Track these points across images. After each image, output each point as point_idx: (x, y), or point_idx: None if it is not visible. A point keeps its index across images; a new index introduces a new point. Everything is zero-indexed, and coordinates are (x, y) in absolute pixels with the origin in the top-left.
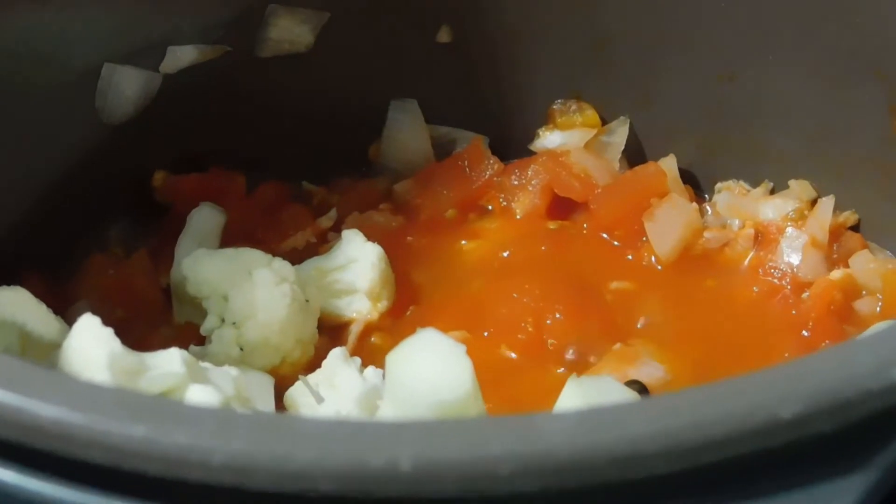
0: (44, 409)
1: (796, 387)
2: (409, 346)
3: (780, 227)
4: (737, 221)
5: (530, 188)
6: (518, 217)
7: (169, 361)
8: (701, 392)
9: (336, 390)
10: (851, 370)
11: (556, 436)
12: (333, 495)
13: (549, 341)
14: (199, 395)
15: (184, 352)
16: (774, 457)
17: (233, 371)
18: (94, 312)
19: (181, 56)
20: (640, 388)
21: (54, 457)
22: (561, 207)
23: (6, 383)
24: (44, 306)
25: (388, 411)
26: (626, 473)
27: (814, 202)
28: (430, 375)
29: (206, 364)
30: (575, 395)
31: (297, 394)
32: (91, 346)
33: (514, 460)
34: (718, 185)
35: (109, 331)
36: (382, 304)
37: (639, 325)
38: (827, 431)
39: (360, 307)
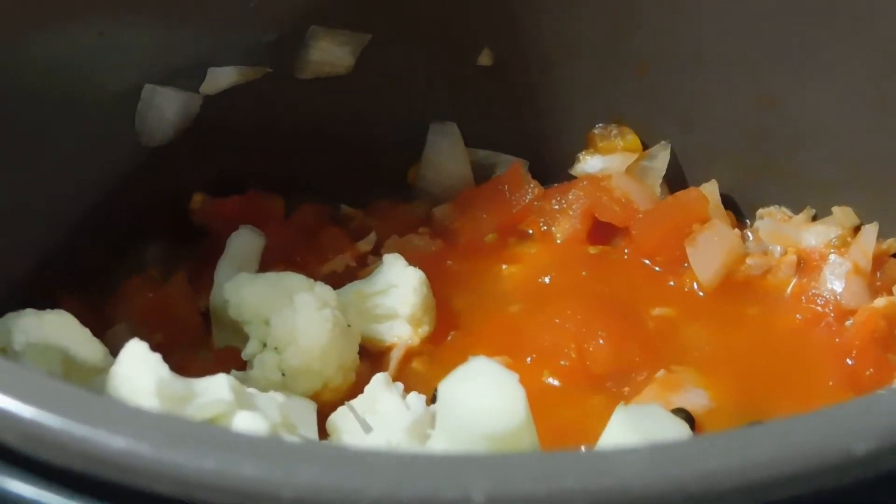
0: (112, 440)
1: (870, 423)
2: (462, 375)
3: (822, 254)
4: (779, 248)
5: (571, 213)
6: (558, 242)
7: (217, 388)
8: (773, 428)
9: (380, 417)
10: None
11: (629, 471)
12: None
13: (592, 368)
14: (247, 421)
15: (231, 378)
16: (845, 494)
17: (279, 397)
18: (133, 336)
19: (221, 77)
20: (685, 416)
21: (122, 488)
22: (602, 232)
23: (73, 413)
24: (87, 330)
25: (440, 441)
26: None
27: (857, 229)
28: (483, 405)
29: (251, 390)
30: (624, 424)
31: (340, 420)
32: (139, 372)
33: (587, 495)
34: (760, 211)
35: (157, 357)
36: (423, 330)
37: (681, 352)
38: None
39: (400, 332)
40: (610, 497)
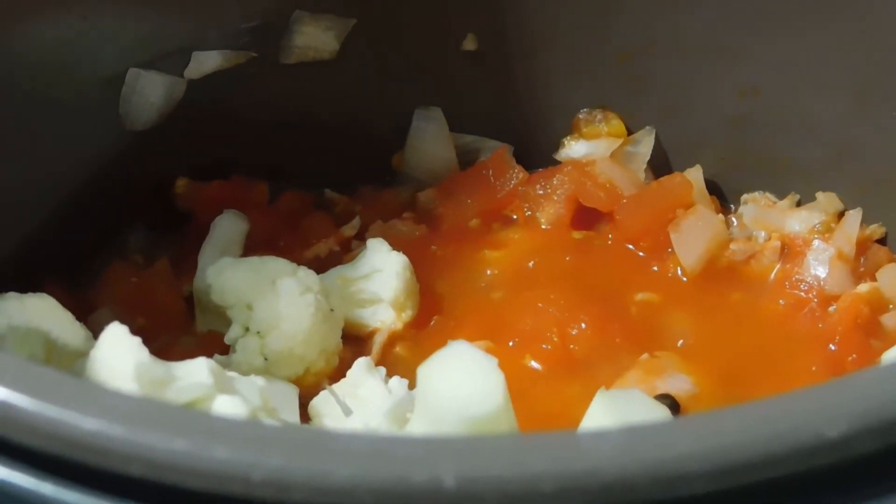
0: (83, 422)
1: (843, 406)
2: (441, 359)
3: (806, 240)
4: (763, 234)
5: (555, 198)
6: (542, 227)
7: (197, 372)
8: (745, 411)
9: (362, 401)
10: None
11: (600, 454)
12: None
13: (574, 352)
14: (227, 405)
15: (211, 361)
16: (819, 477)
17: (259, 381)
18: (116, 320)
19: (206, 62)
20: (670, 402)
21: (93, 470)
22: (586, 218)
23: (45, 394)
24: (69, 314)
25: (419, 425)
26: (669, 493)
27: (841, 215)
28: (461, 389)
29: (232, 374)
30: (604, 409)
31: (322, 404)
32: (119, 355)
33: (557, 478)
34: (744, 197)
35: (137, 340)
36: (407, 314)
37: (664, 338)
38: (872, 451)
39: (384, 317)
40: (580, 481)
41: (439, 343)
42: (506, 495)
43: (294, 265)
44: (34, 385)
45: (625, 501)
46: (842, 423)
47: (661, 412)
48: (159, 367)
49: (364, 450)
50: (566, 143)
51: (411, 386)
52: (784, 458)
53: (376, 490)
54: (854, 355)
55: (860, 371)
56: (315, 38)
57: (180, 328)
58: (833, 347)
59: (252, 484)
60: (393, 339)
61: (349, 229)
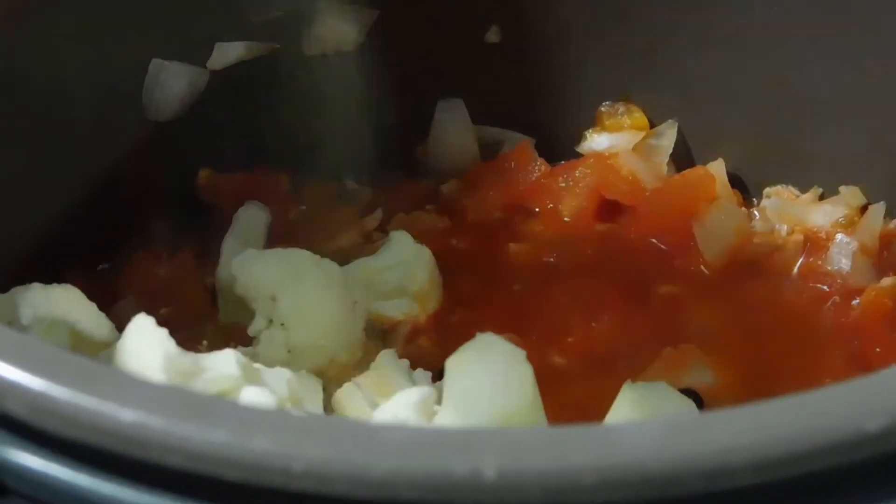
0: (122, 413)
1: (882, 400)
2: (469, 351)
3: (829, 234)
4: (785, 227)
5: (577, 191)
6: (565, 220)
7: (224, 363)
8: (785, 404)
9: (387, 394)
10: None
11: (642, 447)
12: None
13: (597, 346)
14: (254, 396)
15: (238, 353)
16: (858, 471)
17: (286, 373)
18: (139, 311)
19: (229, 52)
20: (693, 396)
21: (131, 461)
22: (608, 210)
23: (82, 385)
24: (94, 305)
25: (448, 417)
26: (710, 486)
27: (864, 208)
28: (491, 381)
29: (258, 365)
30: (631, 401)
31: (346, 396)
32: (146, 346)
33: (599, 471)
34: (767, 190)
35: (164, 331)
36: (430, 307)
37: (687, 331)
38: None
39: (407, 309)
40: (622, 473)
41: (462, 335)
42: (546, 488)
43: (317, 257)
44: (71, 375)
45: (666, 494)
46: (882, 417)
47: (687, 405)
48: (187, 358)
49: (405, 442)
50: (588, 135)
51: (434, 378)
52: (824, 452)
53: (417, 482)
54: (878, 349)
55: None
56: (338, 30)
57: (203, 319)
58: (857, 341)
59: (293, 475)
60: (416, 331)
61: (372, 221)
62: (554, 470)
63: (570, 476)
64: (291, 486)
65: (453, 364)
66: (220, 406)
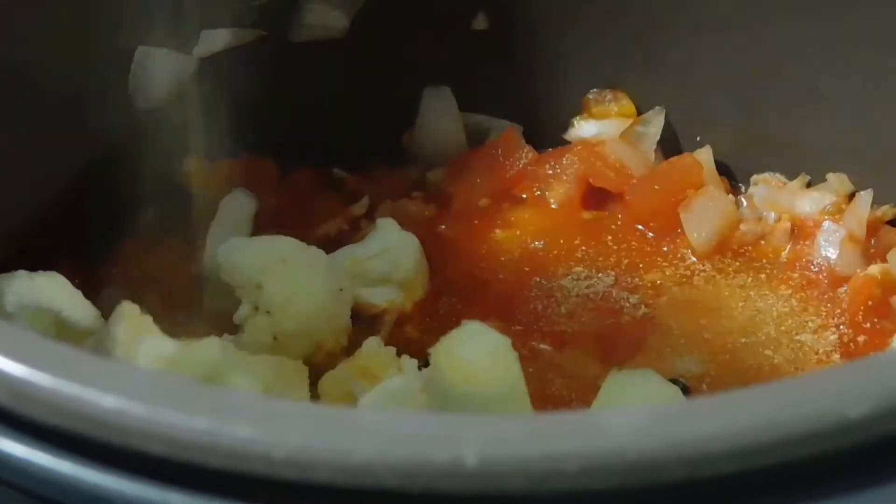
0: (103, 400)
1: (865, 387)
2: (455, 339)
3: (816, 221)
4: (773, 214)
5: (565, 178)
6: (552, 207)
7: (208, 350)
8: (768, 391)
9: (372, 381)
10: None
11: (624, 434)
12: (396, 490)
13: (583, 333)
14: (238, 383)
15: (222, 340)
16: (841, 458)
17: (270, 360)
18: (125, 299)
19: (215, 40)
20: (681, 386)
21: (113, 448)
22: (596, 198)
23: (64, 372)
24: (79, 293)
25: (432, 404)
26: (693, 473)
27: (851, 196)
28: (476, 369)
29: (242, 352)
30: (617, 389)
31: (331, 383)
32: (130, 333)
33: (581, 458)
34: (754, 178)
35: (148, 318)
36: (416, 294)
37: (674, 319)
38: (894, 433)
39: (393, 296)
40: (605, 460)
41: (448, 323)
42: (529, 475)
43: (304, 244)
44: (53, 362)
45: (649, 481)
46: (864, 404)
47: (674, 392)
48: (170, 345)
49: (387, 428)
50: (576, 123)
51: (420, 366)
52: (806, 438)
53: (399, 469)
54: (864, 336)
55: (882, 353)
56: (325, 16)
57: (189, 307)
58: (843, 328)
59: (274, 462)
60: (402, 319)
61: (358, 208)
62: (536, 457)
63: (553, 463)
64: (273, 473)
65: (438, 351)
66: (201, 393)
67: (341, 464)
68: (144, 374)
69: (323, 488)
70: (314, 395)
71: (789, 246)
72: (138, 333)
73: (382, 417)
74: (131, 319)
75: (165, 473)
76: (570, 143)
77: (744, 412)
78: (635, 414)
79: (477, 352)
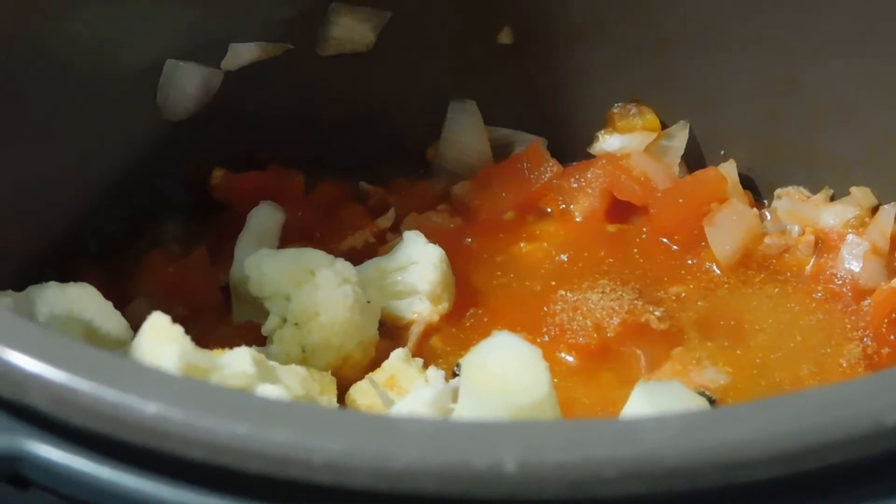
0: (144, 406)
1: None
2: (486, 349)
3: (840, 234)
4: (797, 228)
5: (589, 191)
6: (577, 220)
7: (239, 361)
8: (803, 398)
9: (400, 391)
10: None
11: (661, 440)
12: (434, 496)
13: (609, 346)
14: (270, 394)
15: (253, 350)
16: (876, 464)
17: (300, 370)
18: (153, 310)
19: (242, 53)
20: (708, 398)
21: (152, 454)
22: (620, 211)
23: (104, 378)
24: (109, 303)
25: (463, 414)
26: (729, 478)
27: (875, 209)
28: (507, 378)
29: (272, 363)
30: (645, 400)
31: (358, 394)
32: (162, 344)
33: (619, 464)
34: (778, 191)
35: (180, 329)
36: (443, 307)
37: (699, 331)
38: None
39: (420, 309)
40: (641, 465)
41: (475, 335)
42: (567, 481)
43: (331, 257)
44: (93, 368)
45: (685, 487)
46: None
47: (701, 404)
48: (202, 355)
49: (425, 434)
50: (600, 136)
51: (447, 378)
52: (841, 445)
53: (438, 474)
54: (888, 349)
55: None
56: (351, 30)
57: (217, 318)
58: (867, 341)
59: (313, 467)
60: (429, 330)
61: (384, 221)
62: (574, 463)
63: (591, 469)
64: (313, 479)
65: (469, 361)
66: (241, 399)
67: (381, 469)
68: (184, 380)
69: (362, 494)
70: (342, 406)
71: (813, 259)
72: (169, 344)
73: (421, 424)
74: (162, 330)
75: (205, 479)
76: (594, 156)
77: (780, 418)
78: (671, 420)
79: (507, 361)
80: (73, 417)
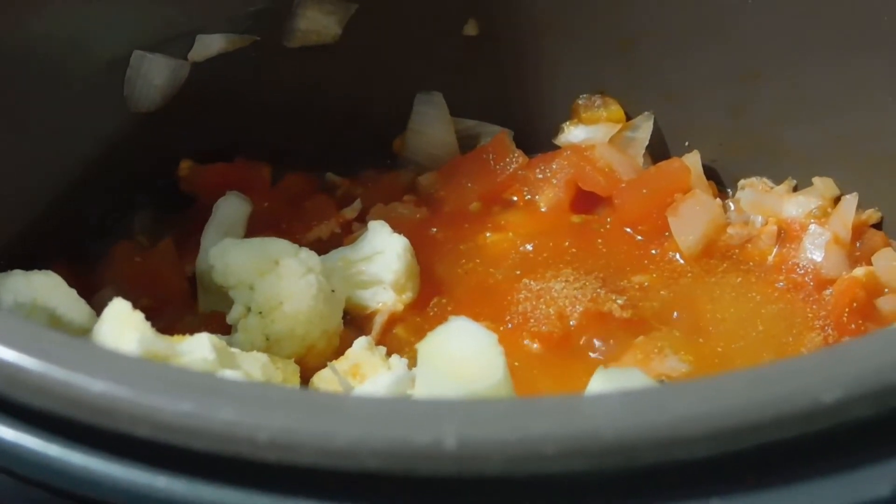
0: (91, 384)
1: (838, 372)
2: (442, 334)
3: (803, 225)
4: (760, 218)
5: (554, 182)
6: (542, 210)
7: (199, 347)
8: (742, 376)
9: (362, 379)
10: (893, 356)
11: (601, 417)
12: (378, 473)
13: (572, 334)
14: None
15: (213, 337)
16: (814, 442)
17: (262, 357)
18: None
19: (210, 45)
20: None
21: (100, 431)
22: (585, 201)
23: (53, 357)
24: (74, 291)
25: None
26: (668, 455)
27: (837, 200)
28: (462, 363)
29: (234, 350)
30: (603, 387)
31: (322, 382)
32: (122, 329)
33: (559, 440)
34: (741, 182)
35: (140, 315)
36: (407, 296)
37: (661, 320)
38: (866, 417)
39: (384, 298)
40: (581, 442)
41: (439, 324)
42: (507, 457)
43: (296, 246)
44: (42, 347)
45: (624, 464)
46: (837, 388)
47: None
48: (162, 342)
49: (368, 412)
50: (565, 128)
51: (410, 366)
52: (780, 422)
53: (379, 451)
54: (849, 338)
55: (855, 340)
56: (318, 23)
57: (183, 308)
58: (829, 330)
59: (258, 445)
60: (393, 320)
61: (350, 212)
62: (514, 439)
63: (531, 445)
64: (258, 456)
65: (425, 347)
66: (186, 377)
67: (324, 446)
68: (131, 359)
69: (307, 471)
70: None
71: (776, 249)
72: (129, 330)
73: (365, 402)
74: (123, 316)
75: (152, 456)
76: (559, 147)
77: (718, 396)
78: (612, 398)
79: (462, 345)
80: (22, 396)
